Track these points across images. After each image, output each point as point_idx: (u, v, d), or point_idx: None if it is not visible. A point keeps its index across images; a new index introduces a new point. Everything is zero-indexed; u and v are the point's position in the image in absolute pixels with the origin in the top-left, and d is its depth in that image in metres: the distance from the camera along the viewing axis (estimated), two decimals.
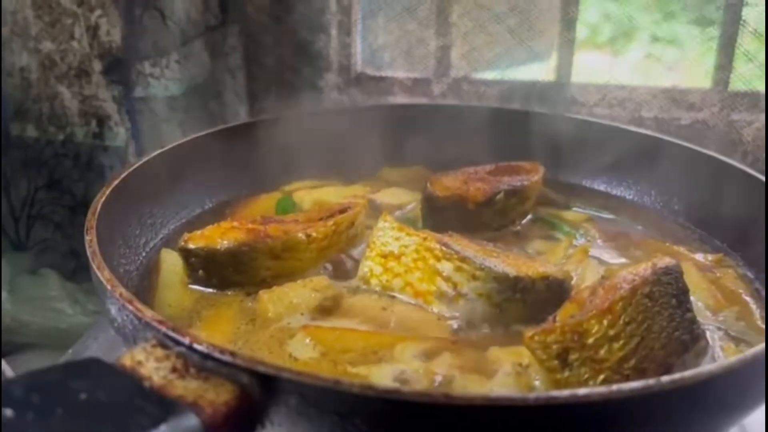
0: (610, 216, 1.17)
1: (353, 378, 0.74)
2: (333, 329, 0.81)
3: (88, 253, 0.77)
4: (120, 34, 1.57)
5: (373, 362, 0.76)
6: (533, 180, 1.12)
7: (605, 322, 0.73)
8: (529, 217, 1.13)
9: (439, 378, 0.74)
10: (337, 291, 0.89)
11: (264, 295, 0.87)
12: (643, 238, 1.09)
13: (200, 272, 0.90)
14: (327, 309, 0.87)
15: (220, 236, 0.90)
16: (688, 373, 0.58)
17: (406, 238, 0.89)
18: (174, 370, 0.59)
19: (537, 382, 0.73)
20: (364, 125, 1.33)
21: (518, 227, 1.11)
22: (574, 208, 1.19)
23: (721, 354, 0.80)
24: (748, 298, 0.92)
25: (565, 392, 0.55)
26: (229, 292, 0.90)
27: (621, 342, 0.72)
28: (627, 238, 1.09)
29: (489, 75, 1.77)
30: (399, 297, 0.88)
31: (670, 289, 0.78)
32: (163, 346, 0.61)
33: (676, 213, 1.17)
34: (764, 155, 1.65)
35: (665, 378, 0.57)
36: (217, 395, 0.57)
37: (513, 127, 1.33)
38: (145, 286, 0.93)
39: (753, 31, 1.59)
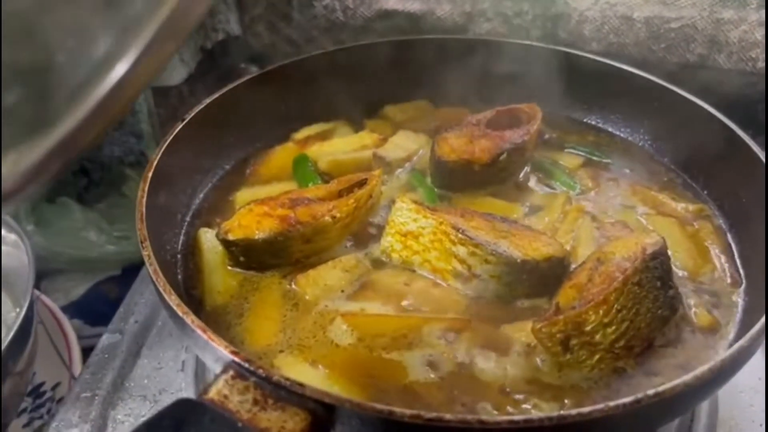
0: (602, 158, 1.26)
1: (389, 364, 0.89)
2: (366, 315, 0.94)
3: (150, 272, 0.87)
4: None
5: (405, 347, 0.90)
6: (533, 131, 1.20)
7: (601, 312, 0.86)
8: (529, 165, 1.23)
9: (460, 359, 0.89)
10: (363, 269, 1.01)
11: (301, 279, 0.99)
12: (631, 184, 1.20)
13: (241, 258, 1.01)
14: (357, 287, 0.99)
15: (256, 225, 0.99)
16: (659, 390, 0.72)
17: (423, 220, 0.99)
18: (255, 402, 0.72)
19: (540, 362, 0.88)
20: (362, 63, 1.37)
21: (519, 178, 1.21)
22: (568, 149, 1.29)
23: (694, 319, 0.95)
24: (720, 256, 1.05)
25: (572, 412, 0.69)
26: (268, 273, 1.01)
27: (613, 327, 0.86)
28: (617, 185, 1.19)
29: None
30: (418, 271, 1.00)
31: (656, 273, 0.91)
32: (242, 377, 0.74)
33: (662, 153, 1.27)
34: (748, 56, 1.72)
35: (650, 392, 0.71)
36: (295, 423, 0.71)
37: (509, 60, 1.38)
38: (191, 269, 1.04)
39: None
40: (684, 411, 0.85)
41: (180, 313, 0.81)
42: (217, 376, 0.75)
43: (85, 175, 1.92)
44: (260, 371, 0.73)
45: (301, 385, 0.72)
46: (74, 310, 1.66)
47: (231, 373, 0.75)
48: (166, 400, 1.05)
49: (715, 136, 1.16)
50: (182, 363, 1.11)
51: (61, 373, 1.30)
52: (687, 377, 0.73)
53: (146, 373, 1.10)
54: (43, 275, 1.71)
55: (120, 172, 1.85)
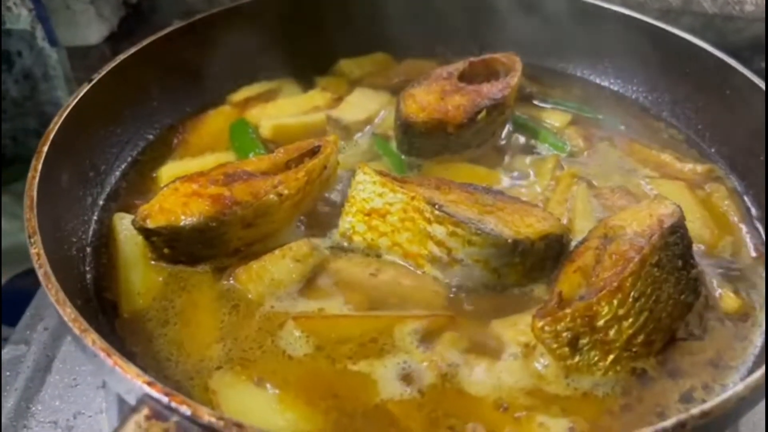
0: (591, 114, 1.09)
1: (356, 378, 0.71)
2: (324, 317, 0.76)
3: (40, 275, 0.67)
4: None
5: (374, 354, 0.72)
6: (513, 84, 1.02)
7: (615, 302, 0.69)
8: (509, 125, 1.05)
9: (443, 368, 0.72)
10: (319, 257, 0.82)
11: (242, 274, 0.79)
12: (628, 142, 1.03)
13: (165, 250, 0.81)
14: (312, 281, 0.81)
15: (182, 209, 0.79)
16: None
17: (390, 194, 0.81)
18: None
19: (543, 367, 0.71)
20: (310, 10, 1.17)
21: (500, 140, 1.03)
22: (553, 104, 1.11)
23: (721, 305, 0.79)
24: (740, 224, 0.90)
25: None
26: (200, 267, 0.82)
27: (630, 320, 0.70)
28: (612, 143, 1.03)
29: None
30: (386, 257, 0.82)
31: (677, 250, 0.74)
32: (160, 416, 0.55)
33: (660, 107, 1.10)
34: None
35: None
36: None
37: (480, 4, 1.19)
38: (104, 265, 0.84)
39: None
40: (730, 425, 0.70)
41: (77, 331, 0.61)
42: (126, 417, 0.56)
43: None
44: (183, 408, 0.54)
45: (239, 425, 0.53)
46: None
47: (145, 411, 0.56)
48: (82, 426, 0.86)
49: (721, 83, 1.00)
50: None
51: None
52: (739, 388, 0.57)
53: (58, 392, 0.90)
54: None
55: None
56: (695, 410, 0.55)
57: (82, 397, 0.89)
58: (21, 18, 1.44)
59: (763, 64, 1.68)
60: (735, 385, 0.68)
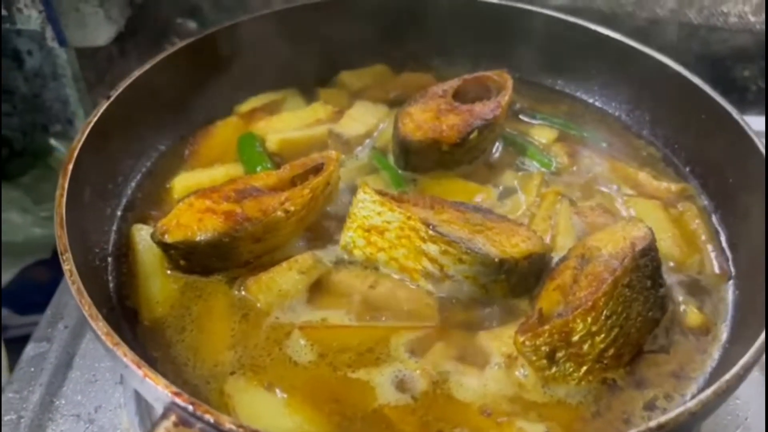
0: (577, 131, 1.16)
1: (355, 384, 0.79)
2: (327, 327, 0.84)
3: (73, 291, 0.74)
4: None
5: (372, 363, 0.80)
6: (504, 103, 1.09)
7: (589, 319, 0.77)
8: (499, 141, 1.12)
9: (434, 375, 0.80)
10: (322, 269, 0.90)
11: (252, 285, 0.87)
12: (609, 160, 1.10)
13: (181, 262, 0.88)
14: (315, 291, 0.88)
15: (197, 224, 0.86)
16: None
17: (388, 213, 0.88)
18: None
19: (523, 377, 0.80)
20: (312, 24, 1.22)
21: (490, 156, 1.10)
22: (540, 119, 1.18)
23: (685, 320, 0.87)
24: (707, 243, 0.97)
25: None
26: (213, 278, 0.89)
27: (602, 336, 0.78)
28: (594, 162, 1.10)
29: None
30: (383, 270, 0.90)
31: (647, 272, 0.82)
32: (186, 423, 0.63)
33: (640, 125, 1.17)
34: (719, 10, 1.63)
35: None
36: None
37: (474, 20, 1.26)
38: (125, 274, 0.91)
39: None
40: None
41: (110, 345, 0.69)
42: (156, 424, 0.63)
43: (6, 145, 1.73)
44: (207, 416, 0.62)
45: None
46: (2, 298, 1.51)
47: (173, 418, 0.64)
48: (103, 419, 0.94)
49: (696, 106, 1.07)
50: (121, 374, 0.99)
51: None
52: (691, 404, 0.65)
53: (79, 387, 0.98)
54: None
55: (45, 143, 1.67)
56: (652, 423, 0.63)
57: (102, 392, 0.97)
58: (31, 19, 1.49)
59: (746, 73, 1.76)
60: (693, 395, 0.78)
